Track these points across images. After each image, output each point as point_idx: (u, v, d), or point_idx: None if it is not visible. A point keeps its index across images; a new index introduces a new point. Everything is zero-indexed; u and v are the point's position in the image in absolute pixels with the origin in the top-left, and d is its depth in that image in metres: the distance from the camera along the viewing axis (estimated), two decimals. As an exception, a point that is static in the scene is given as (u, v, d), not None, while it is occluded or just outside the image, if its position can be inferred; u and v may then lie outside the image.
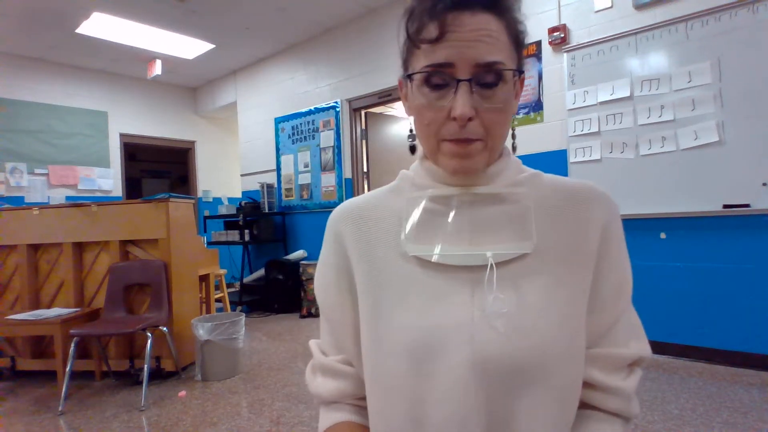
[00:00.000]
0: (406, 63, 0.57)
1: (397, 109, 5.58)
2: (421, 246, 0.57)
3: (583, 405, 0.58)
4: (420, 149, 0.63)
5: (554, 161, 3.21)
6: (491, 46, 0.50)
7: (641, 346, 0.59)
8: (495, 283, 0.52)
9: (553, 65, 3.24)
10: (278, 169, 5.37)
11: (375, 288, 0.58)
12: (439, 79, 0.51)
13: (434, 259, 0.55)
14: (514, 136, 0.64)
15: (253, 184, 5.57)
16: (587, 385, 0.57)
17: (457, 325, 0.52)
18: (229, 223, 5.18)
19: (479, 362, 0.50)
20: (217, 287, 4.15)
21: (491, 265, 0.53)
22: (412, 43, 0.53)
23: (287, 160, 5.26)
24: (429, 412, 0.52)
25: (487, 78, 0.50)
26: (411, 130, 0.61)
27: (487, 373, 0.50)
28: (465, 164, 0.53)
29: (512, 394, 0.50)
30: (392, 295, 0.57)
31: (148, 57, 5.24)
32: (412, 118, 0.58)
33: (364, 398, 0.62)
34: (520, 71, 0.54)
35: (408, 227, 0.58)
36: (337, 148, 4.73)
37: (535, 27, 3.31)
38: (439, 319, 0.53)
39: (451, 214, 0.57)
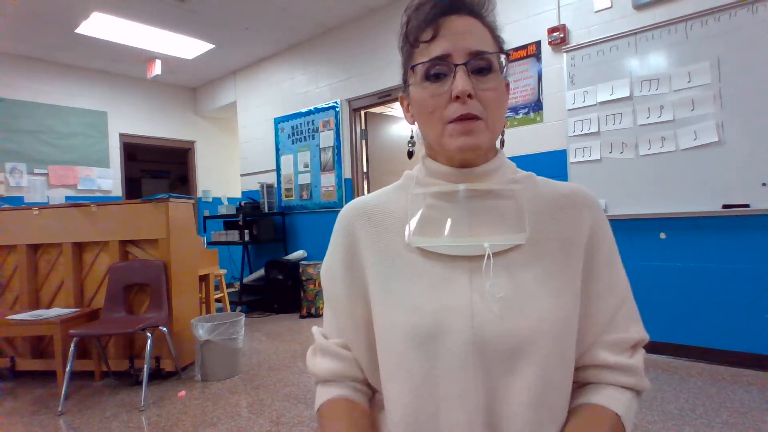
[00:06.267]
0: (406, 66, 0.64)
1: (397, 109, 5.57)
2: (425, 238, 0.62)
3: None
4: (417, 154, 0.70)
5: (554, 161, 3.21)
6: (479, 39, 0.59)
7: (640, 330, 0.64)
8: (492, 270, 0.58)
9: (553, 65, 3.24)
10: (278, 169, 5.37)
11: (384, 276, 0.64)
12: (439, 69, 0.59)
13: (436, 249, 0.61)
14: (503, 132, 0.67)
15: (253, 184, 5.57)
16: (597, 366, 0.61)
17: (457, 308, 0.57)
18: (229, 223, 5.18)
19: (478, 342, 0.56)
20: (217, 287, 4.15)
21: (488, 254, 0.58)
22: (412, 46, 0.62)
23: (287, 160, 5.26)
24: (433, 389, 0.57)
25: (480, 64, 0.58)
26: (411, 137, 0.69)
27: (485, 352, 0.55)
28: (469, 141, 0.58)
29: (508, 372, 0.55)
30: (399, 283, 0.62)
31: (148, 57, 5.24)
32: (413, 127, 0.66)
33: (358, 380, 0.68)
34: (506, 63, 0.62)
35: (412, 221, 0.64)
36: (337, 148, 4.73)
37: (535, 27, 3.31)
38: (442, 303, 0.58)
39: (452, 209, 0.63)
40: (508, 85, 0.65)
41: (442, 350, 0.57)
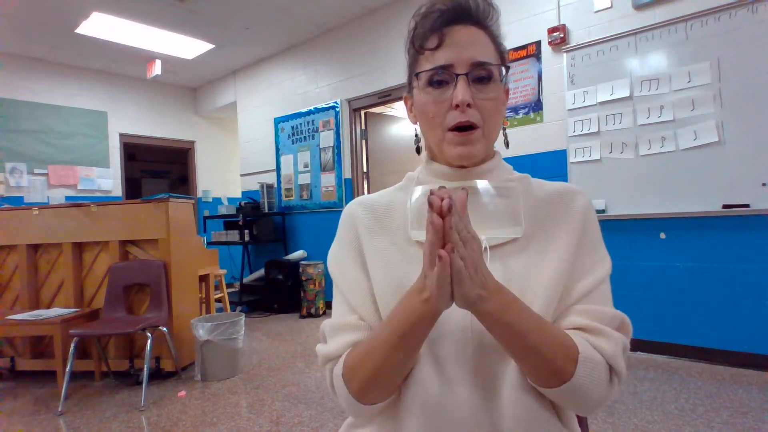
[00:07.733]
0: (411, 70, 0.67)
1: (397, 109, 5.58)
2: (424, 232, 0.62)
3: None
4: (424, 150, 0.73)
5: (554, 161, 3.21)
6: (482, 50, 0.62)
7: (615, 310, 0.63)
8: (488, 262, 0.60)
9: (553, 65, 3.24)
10: (278, 169, 5.37)
11: (386, 267, 0.66)
12: (441, 77, 0.62)
13: None
14: (505, 135, 0.71)
15: (253, 184, 5.57)
16: (575, 330, 0.60)
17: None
18: (229, 223, 5.18)
19: (476, 329, 0.59)
20: (217, 287, 4.14)
21: (485, 246, 0.60)
22: (417, 52, 0.65)
23: (287, 160, 5.26)
24: (434, 374, 0.60)
25: (481, 74, 0.61)
26: (416, 134, 0.72)
27: (482, 338, 0.59)
28: (467, 150, 0.62)
29: (503, 356, 0.59)
30: (400, 274, 0.65)
31: (148, 57, 5.24)
32: (416, 126, 0.70)
33: None
34: (506, 73, 0.65)
35: (412, 216, 0.67)
36: (337, 148, 4.73)
37: (535, 27, 3.31)
38: None
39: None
40: (507, 91, 0.69)
41: (441, 338, 0.60)
